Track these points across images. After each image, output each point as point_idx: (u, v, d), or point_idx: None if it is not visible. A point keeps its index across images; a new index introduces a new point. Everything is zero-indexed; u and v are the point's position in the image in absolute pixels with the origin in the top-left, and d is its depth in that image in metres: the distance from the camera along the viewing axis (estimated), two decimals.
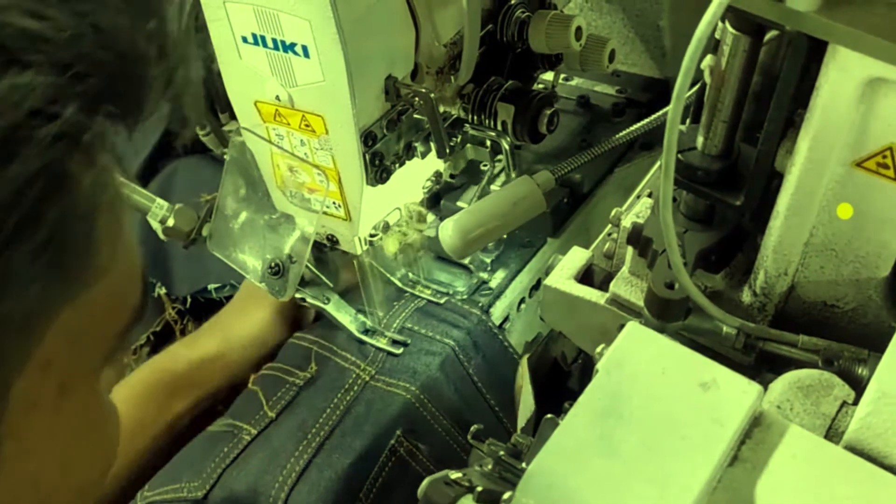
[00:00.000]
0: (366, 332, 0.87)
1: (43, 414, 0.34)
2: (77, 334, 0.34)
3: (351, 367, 0.85)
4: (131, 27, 0.32)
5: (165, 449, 0.86)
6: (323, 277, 0.90)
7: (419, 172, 0.93)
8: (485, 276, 0.93)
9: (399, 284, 0.92)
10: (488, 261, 0.93)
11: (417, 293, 0.91)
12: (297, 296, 0.88)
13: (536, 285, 0.95)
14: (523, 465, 0.55)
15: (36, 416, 0.34)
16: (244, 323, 0.94)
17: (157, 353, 0.94)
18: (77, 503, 0.40)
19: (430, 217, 0.96)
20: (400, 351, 0.85)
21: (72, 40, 0.29)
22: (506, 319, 0.92)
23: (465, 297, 0.91)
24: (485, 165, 0.94)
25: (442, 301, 0.90)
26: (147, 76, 0.33)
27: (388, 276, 0.91)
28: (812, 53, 0.53)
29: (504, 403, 0.89)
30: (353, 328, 0.87)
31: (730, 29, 0.57)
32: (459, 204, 0.93)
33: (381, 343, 0.86)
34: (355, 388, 0.83)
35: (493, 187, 0.93)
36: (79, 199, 0.30)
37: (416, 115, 0.79)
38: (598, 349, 0.55)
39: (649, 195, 0.74)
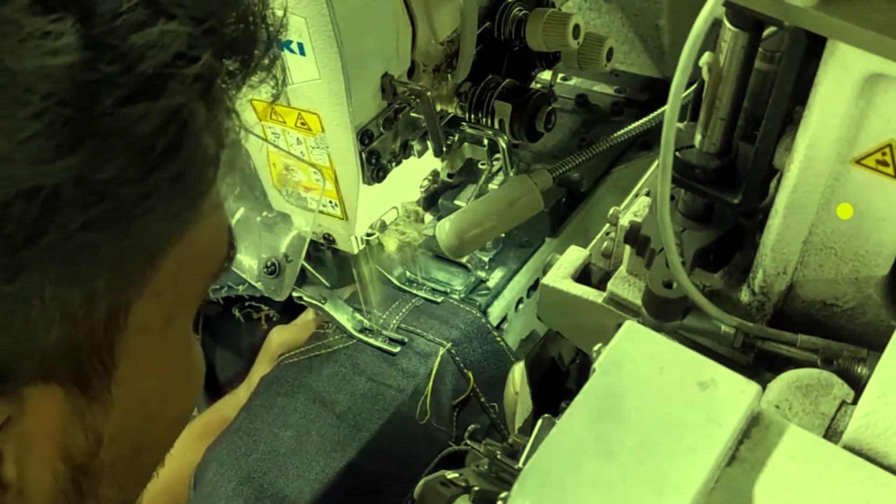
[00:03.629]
0: (363, 331, 0.87)
1: (152, 340, 0.37)
2: (183, 270, 0.37)
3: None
4: None
5: None
6: (320, 277, 0.90)
7: (416, 171, 0.93)
8: (483, 274, 0.92)
9: (397, 283, 0.92)
10: (486, 259, 0.93)
11: (415, 292, 0.91)
12: (295, 294, 0.87)
13: (534, 285, 0.94)
14: (520, 465, 0.54)
15: (146, 340, 0.37)
16: None
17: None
18: (166, 435, 0.43)
19: (428, 217, 0.95)
20: (397, 350, 0.84)
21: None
22: (504, 319, 0.92)
23: (462, 296, 0.90)
24: (483, 164, 0.94)
25: (439, 300, 0.90)
26: (257, 38, 0.37)
27: (386, 274, 0.91)
28: (811, 49, 0.53)
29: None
30: (350, 327, 0.87)
31: (728, 25, 0.57)
32: (458, 203, 0.93)
33: (378, 342, 0.86)
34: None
35: (491, 186, 0.92)
36: (207, 141, 0.34)
37: (412, 114, 0.78)
38: (595, 348, 0.55)
39: (647, 194, 0.74)
